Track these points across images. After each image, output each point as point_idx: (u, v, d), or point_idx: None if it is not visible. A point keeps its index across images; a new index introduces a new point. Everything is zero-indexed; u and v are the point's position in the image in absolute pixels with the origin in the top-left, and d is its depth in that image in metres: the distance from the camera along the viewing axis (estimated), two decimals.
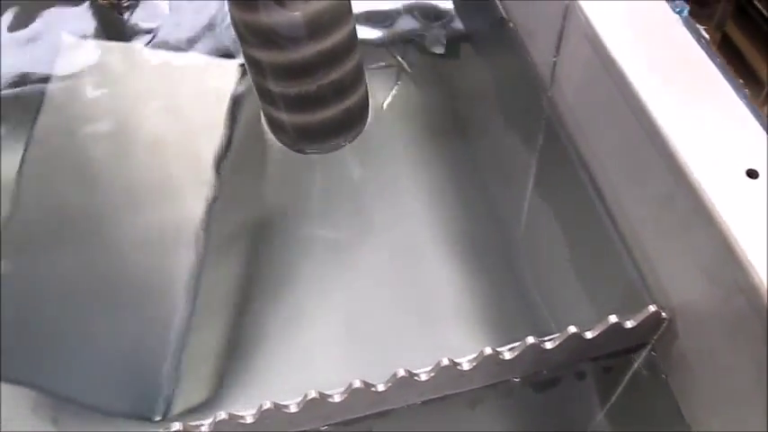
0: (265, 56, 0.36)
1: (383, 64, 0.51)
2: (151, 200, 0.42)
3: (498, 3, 0.51)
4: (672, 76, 0.34)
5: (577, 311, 0.39)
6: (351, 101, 0.41)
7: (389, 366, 0.34)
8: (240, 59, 0.48)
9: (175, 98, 0.46)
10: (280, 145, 0.43)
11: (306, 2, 0.34)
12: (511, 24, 0.49)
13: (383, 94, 0.49)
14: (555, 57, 0.42)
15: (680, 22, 0.36)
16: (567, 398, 0.37)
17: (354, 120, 0.43)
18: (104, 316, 0.39)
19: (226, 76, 0.47)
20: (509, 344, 0.35)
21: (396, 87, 0.50)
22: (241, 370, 0.37)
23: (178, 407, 0.36)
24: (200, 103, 0.47)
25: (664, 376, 0.35)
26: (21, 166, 0.44)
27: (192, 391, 0.36)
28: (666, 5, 0.37)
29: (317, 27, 0.35)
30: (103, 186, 0.43)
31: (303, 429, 0.35)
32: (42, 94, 0.46)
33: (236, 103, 0.46)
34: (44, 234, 0.41)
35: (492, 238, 0.42)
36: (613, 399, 0.36)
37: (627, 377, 0.37)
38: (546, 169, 0.44)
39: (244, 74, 0.49)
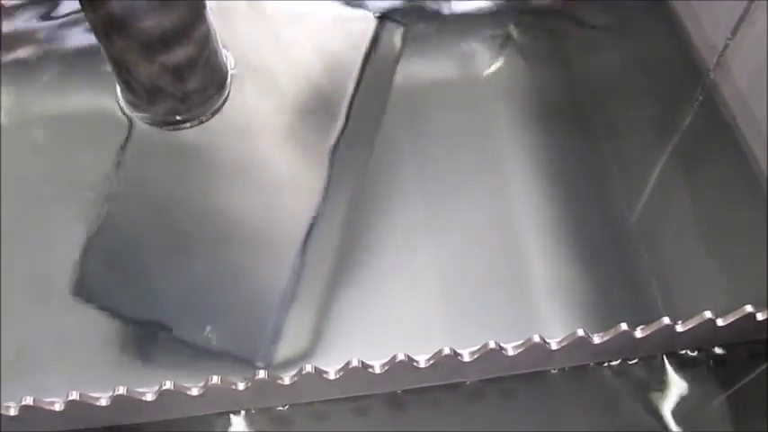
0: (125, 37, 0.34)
1: (489, 33, 0.49)
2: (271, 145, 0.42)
3: None
4: None
5: (702, 300, 0.37)
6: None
7: (475, 337, 0.33)
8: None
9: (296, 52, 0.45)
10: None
11: None
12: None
13: (487, 65, 0.48)
14: (729, 39, 0.41)
15: None
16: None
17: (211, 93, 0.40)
18: (218, 254, 0.39)
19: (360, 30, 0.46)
20: (605, 327, 0.33)
21: (501, 58, 0.48)
22: (335, 327, 0.37)
23: (278, 358, 0.35)
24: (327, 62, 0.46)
25: None
26: None
27: (290, 344, 0.36)
28: None
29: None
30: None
31: (382, 391, 0.34)
32: None
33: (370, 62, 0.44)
34: (162, 167, 0.41)
35: (602, 222, 0.41)
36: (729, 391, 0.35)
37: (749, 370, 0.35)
38: (689, 154, 0.42)
39: (380, 26, 0.47)
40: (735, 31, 0.40)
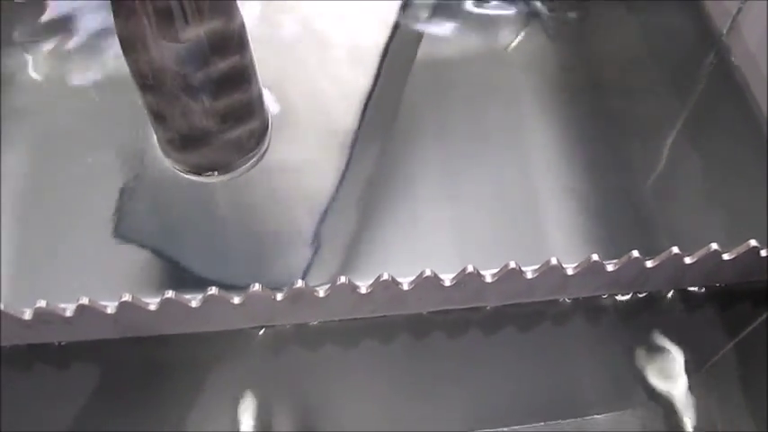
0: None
1: (512, 11, 0.51)
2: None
3: None
4: None
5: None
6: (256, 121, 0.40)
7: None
8: None
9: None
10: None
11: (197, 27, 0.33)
12: None
13: (509, 39, 0.49)
14: (742, 3, 0.43)
15: None
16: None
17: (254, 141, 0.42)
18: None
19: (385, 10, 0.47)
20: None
21: (523, 32, 0.49)
22: (362, 261, 0.39)
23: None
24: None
25: None
26: None
27: (318, 272, 0.38)
28: None
29: (212, 50, 0.34)
30: None
31: (410, 312, 0.36)
32: None
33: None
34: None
35: (619, 176, 0.42)
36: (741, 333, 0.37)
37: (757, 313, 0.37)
38: (702, 113, 0.44)
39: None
40: None
